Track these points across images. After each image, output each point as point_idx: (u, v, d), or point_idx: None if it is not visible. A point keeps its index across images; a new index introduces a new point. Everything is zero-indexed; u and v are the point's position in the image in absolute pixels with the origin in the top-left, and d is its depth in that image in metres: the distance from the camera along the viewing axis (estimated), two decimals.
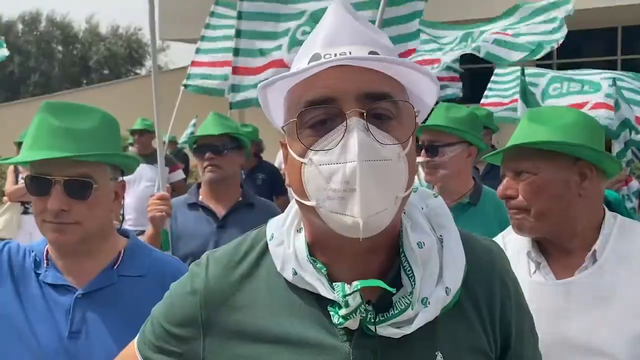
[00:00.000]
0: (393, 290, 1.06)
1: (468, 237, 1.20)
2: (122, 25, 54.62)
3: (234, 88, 3.49)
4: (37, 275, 1.68)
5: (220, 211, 3.17)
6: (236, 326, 1.14)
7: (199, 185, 3.31)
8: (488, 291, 1.16)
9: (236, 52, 3.53)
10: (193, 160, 6.70)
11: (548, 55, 17.20)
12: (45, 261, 1.70)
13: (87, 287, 1.66)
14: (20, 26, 38.62)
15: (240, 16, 3.52)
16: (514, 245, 1.86)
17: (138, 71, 41.11)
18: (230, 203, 3.19)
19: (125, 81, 25.82)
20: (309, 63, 1.05)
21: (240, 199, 3.23)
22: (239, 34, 3.51)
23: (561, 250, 1.77)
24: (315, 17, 3.53)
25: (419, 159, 2.88)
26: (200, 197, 3.24)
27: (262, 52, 3.56)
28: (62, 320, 1.63)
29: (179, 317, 1.20)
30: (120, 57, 40.09)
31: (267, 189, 5.19)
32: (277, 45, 3.58)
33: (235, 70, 3.50)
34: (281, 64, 3.57)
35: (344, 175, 0.99)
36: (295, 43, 3.54)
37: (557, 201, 1.72)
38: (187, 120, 9.42)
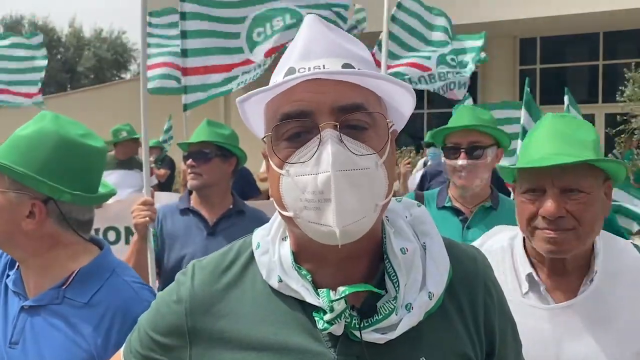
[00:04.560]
0: (382, 292, 1.08)
1: (451, 244, 1.22)
2: (104, 27, 54.30)
3: (186, 89, 3.52)
4: (7, 277, 1.71)
5: (212, 218, 3.17)
6: (221, 334, 1.14)
7: (190, 192, 3.32)
8: (471, 297, 1.18)
9: (184, 52, 3.51)
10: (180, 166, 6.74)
11: (531, 61, 17.28)
12: (16, 265, 1.71)
13: (33, 301, 1.63)
14: (1, 29, 38.34)
15: (184, 17, 3.51)
16: (497, 259, 1.78)
17: (123, 75, 40.94)
18: (221, 210, 3.19)
19: (110, 85, 25.68)
20: (284, 77, 1.07)
21: (231, 206, 3.23)
22: (184, 34, 3.52)
23: (560, 271, 1.72)
24: (260, 19, 3.65)
25: (460, 162, 2.76)
26: (192, 202, 3.25)
27: (211, 51, 3.56)
28: (9, 327, 1.64)
29: (165, 325, 1.20)
30: (106, 62, 39.86)
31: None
32: (236, 48, 3.62)
33: (185, 72, 3.51)
34: (249, 62, 3.64)
35: (318, 186, 1.01)
36: (256, 44, 3.63)
37: (598, 221, 1.67)
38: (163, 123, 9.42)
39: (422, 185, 6.01)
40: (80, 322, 1.58)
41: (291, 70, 1.08)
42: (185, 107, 3.54)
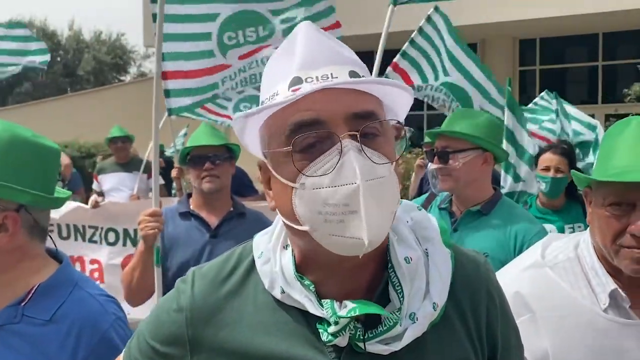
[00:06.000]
0: (390, 315, 1.06)
1: (455, 249, 1.20)
2: (102, 28, 54.03)
3: (169, 93, 3.51)
4: None
5: (213, 221, 3.16)
6: (223, 344, 1.13)
7: (189, 195, 3.31)
8: (474, 301, 1.17)
9: (162, 56, 3.44)
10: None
11: (531, 62, 17.30)
12: None
13: None
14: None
15: (155, 19, 3.37)
16: (567, 272, 1.66)
17: (123, 78, 40.92)
18: (222, 213, 3.18)
19: (110, 88, 25.70)
20: (289, 88, 1.05)
21: (232, 209, 3.23)
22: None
23: (637, 283, 1.58)
24: (232, 22, 3.60)
25: (432, 166, 2.85)
26: (191, 206, 3.23)
27: (188, 55, 3.54)
28: None
29: (165, 334, 1.18)
30: (105, 65, 39.85)
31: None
32: (208, 51, 3.58)
33: (165, 76, 3.48)
34: (224, 66, 3.60)
35: (343, 198, 0.99)
36: (227, 47, 3.61)
37: None
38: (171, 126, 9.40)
39: (422, 187, 6.00)
40: (43, 341, 1.48)
41: (297, 80, 1.05)
42: (170, 112, 3.53)
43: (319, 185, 1.00)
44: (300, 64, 1.06)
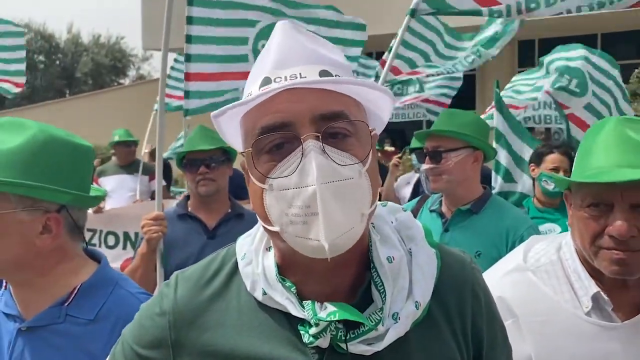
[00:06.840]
0: (371, 325, 1.06)
1: (442, 249, 1.21)
2: (101, 32, 54.17)
3: (189, 95, 3.51)
4: None
5: (211, 222, 3.20)
6: (206, 346, 1.13)
7: (187, 197, 3.34)
8: (459, 300, 1.17)
9: (188, 58, 3.51)
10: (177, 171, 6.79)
11: (530, 63, 17.30)
12: (4, 285, 1.64)
13: (31, 322, 1.54)
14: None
15: (190, 21, 3.49)
16: (549, 276, 1.65)
17: (122, 81, 40.93)
18: (220, 214, 3.22)
19: (108, 91, 25.71)
20: (260, 87, 1.05)
21: (230, 210, 3.26)
22: (189, 39, 3.52)
23: (619, 285, 1.57)
24: (268, 30, 3.56)
25: (424, 167, 2.86)
26: (189, 208, 3.26)
27: (216, 58, 3.56)
28: (5, 354, 1.54)
29: (149, 339, 1.19)
30: (104, 67, 39.86)
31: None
32: (242, 55, 3.60)
33: (188, 77, 3.50)
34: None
35: (304, 200, 0.99)
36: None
37: None
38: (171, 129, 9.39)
39: (417, 190, 5.96)
40: (88, 340, 1.51)
41: (266, 80, 1.05)
42: (187, 113, 3.55)
43: (285, 187, 1.01)
44: (271, 64, 1.06)
